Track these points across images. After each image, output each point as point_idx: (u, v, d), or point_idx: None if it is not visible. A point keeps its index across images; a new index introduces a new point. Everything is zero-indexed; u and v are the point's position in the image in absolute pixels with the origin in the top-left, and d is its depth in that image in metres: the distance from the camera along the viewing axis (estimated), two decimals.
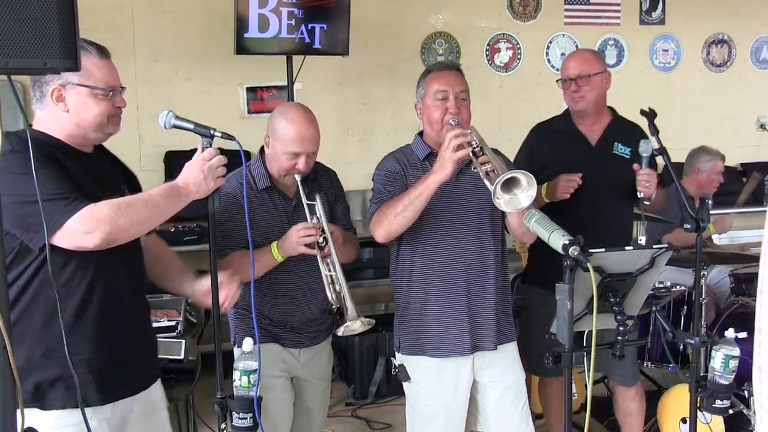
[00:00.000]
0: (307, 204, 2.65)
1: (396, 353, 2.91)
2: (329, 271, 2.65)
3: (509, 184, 2.42)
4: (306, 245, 2.61)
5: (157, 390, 2.38)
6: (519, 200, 2.43)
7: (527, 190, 2.41)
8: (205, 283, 2.36)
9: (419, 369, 2.83)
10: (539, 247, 3.24)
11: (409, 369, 2.84)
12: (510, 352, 2.88)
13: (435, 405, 2.81)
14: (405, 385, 2.88)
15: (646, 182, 3.07)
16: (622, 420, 3.59)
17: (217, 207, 2.29)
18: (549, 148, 3.28)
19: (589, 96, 3.27)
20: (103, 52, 2.18)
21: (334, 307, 2.71)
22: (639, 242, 3.14)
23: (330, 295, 2.65)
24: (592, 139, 3.35)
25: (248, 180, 2.68)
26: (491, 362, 2.84)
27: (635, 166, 3.12)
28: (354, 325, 2.60)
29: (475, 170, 2.56)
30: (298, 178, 2.66)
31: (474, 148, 2.57)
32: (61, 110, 2.10)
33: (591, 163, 3.17)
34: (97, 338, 2.14)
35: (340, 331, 2.61)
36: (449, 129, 2.68)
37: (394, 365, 2.91)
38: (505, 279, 2.88)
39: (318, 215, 2.66)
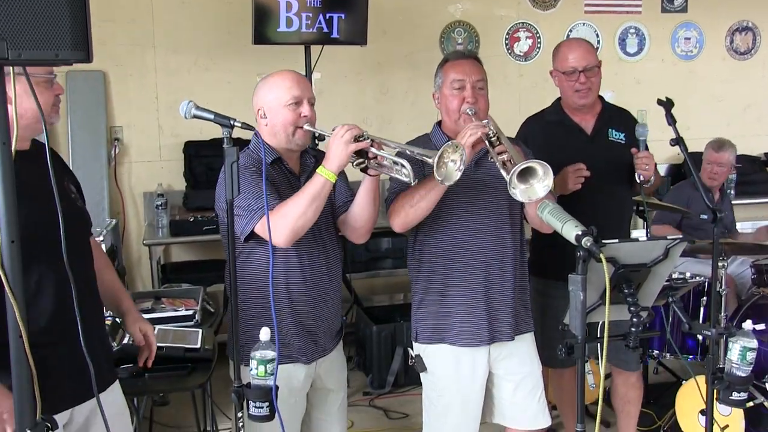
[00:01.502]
0: None
1: (413, 343, 2.91)
2: (380, 165, 2.45)
3: (525, 174, 2.42)
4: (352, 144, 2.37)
5: (117, 390, 2.37)
6: (535, 190, 2.43)
7: (543, 180, 2.41)
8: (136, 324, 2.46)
9: (436, 359, 2.83)
10: (538, 238, 3.28)
11: (426, 359, 2.85)
12: (527, 342, 2.89)
13: (451, 395, 2.82)
14: (422, 375, 2.89)
15: (645, 165, 3.09)
16: (621, 407, 3.57)
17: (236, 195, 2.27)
18: (543, 140, 3.23)
19: (595, 88, 3.27)
20: None
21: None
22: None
23: (403, 174, 2.41)
24: (587, 128, 3.34)
25: (255, 157, 2.56)
26: (509, 353, 2.84)
27: (633, 150, 3.14)
28: (452, 155, 2.36)
29: (492, 160, 2.55)
30: (309, 127, 2.54)
31: (491, 137, 2.57)
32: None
33: (590, 153, 3.15)
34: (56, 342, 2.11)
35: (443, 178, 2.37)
36: (466, 119, 2.69)
37: (411, 355, 2.91)
38: (523, 269, 2.88)
39: None
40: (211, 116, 2.24)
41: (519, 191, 2.43)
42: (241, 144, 2.29)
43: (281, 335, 2.52)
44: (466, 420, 2.83)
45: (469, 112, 2.71)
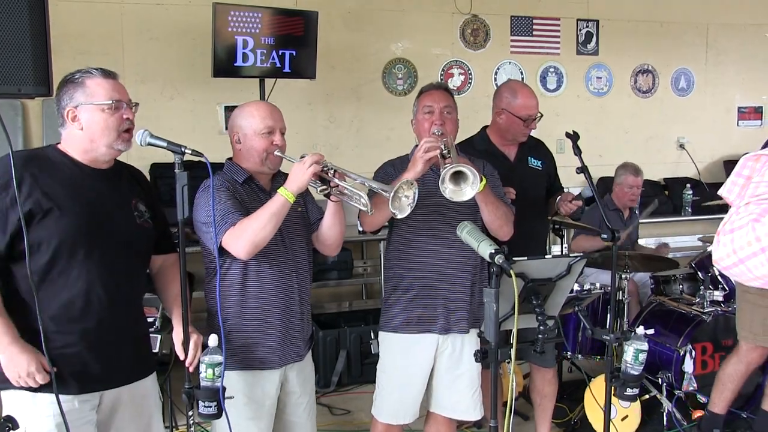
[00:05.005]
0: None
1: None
2: (342, 193, 2.47)
3: (458, 179, 2.51)
4: (313, 174, 2.38)
5: (147, 383, 2.39)
6: (464, 193, 2.52)
7: (473, 185, 2.50)
8: (177, 334, 2.42)
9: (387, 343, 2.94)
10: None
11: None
12: (472, 339, 2.91)
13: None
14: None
15: (570, 208, 3.33)
16: (538, 401, 3.63)
17: (186, 215, 2.28)
18: None
19: None
20: (106, 73, 2.23)
21: None
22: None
23: (361, 204, 2.45)
24: (510, 156, 3.43)
25: (228, 178, 2.57)
26: (455, 347, 2.91)
27: (566, 193, 3.37)
28: (405, 192, 2.42)
29: (443, 169, 2.56)
30: (280, 153, 2.54)
31: (443, 151, 2.63)
32: (77, 129, 2.16)
33: (514, 178, 3.22)
34: (85, 332, 2.17)
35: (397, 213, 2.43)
36: (428, 136, 2.77)
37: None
38: (483, 269, 2.91)
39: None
40: (164, 144, 2.24)
41: (449, 190, 2.51)
42: (215, 165, 2.28)
43: (254, 342, 2.54)
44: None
45: (437, 132, 2.79)
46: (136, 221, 2.32)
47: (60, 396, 2.07)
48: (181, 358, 2.37)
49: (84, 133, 2.16)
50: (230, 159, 2.65)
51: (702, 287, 4.22)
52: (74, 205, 2.13)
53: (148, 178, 5.25)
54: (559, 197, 3.35)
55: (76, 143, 2.19)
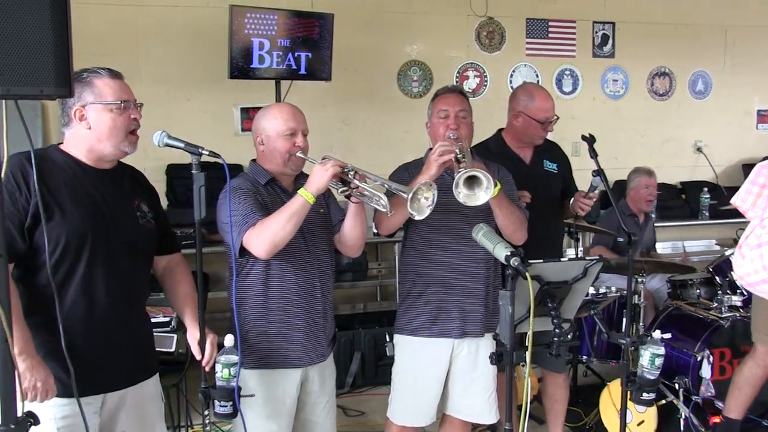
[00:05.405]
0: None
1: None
2: (362, 194, 2.47)
3: (472, 183, 2.50)
4: (333, 176, 2.39)
5: (150, 384, 2.37)
6: (477, 197, 2.51)
7: (487, 189, 2.49)
8: (191, 334, 2.42)
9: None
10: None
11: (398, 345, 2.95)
12: (488, 342, 2.92)
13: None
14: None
15: (586, 205, 3.23)
16: (549, 405, 3.62)
17: (203, 216, 2.29)
18: None
19: None
20: (113, 73, 2.22)
21: None
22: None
23: (381, 205, 2.44)
24: (526, 159, 3.41)
25: (251, 179, 2.60)
26: (470, 350, 2.90)
27: (580, 191, 3.27)
28: (425, 193, 2.42)
29: (457, 174, 2.55)
30: (302, 155, 2.55)
31: (458, 156, 2.63)
32: (84, 128, 2.16)
33: (529, 181, 3.20)
34: (90, 333, 2.16)
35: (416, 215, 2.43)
36: (443, 140, 2.76)
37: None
38: (497, 273, 2.91)
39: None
40: (182, 145, 2.25)
41: (463, 195, 2.50)
42: (231, 167, 2.28)
43: (277, 342, 2.56)
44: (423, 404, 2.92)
45: (452, 136, 2.78)
46: (140, 221, 2.31)
47: (62, 399, 2.06)
48: (198, 358, 2.37)
49: (91, 132, 2.16)
50: (254, 160, 2.67)
51: (720, 292, 4.18)
52: (78, 205, 2.12)
53: (165, 179, 5.35)
54: (572, 199, 3.33)
55: (81, 142, 2.18)
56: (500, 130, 3.50)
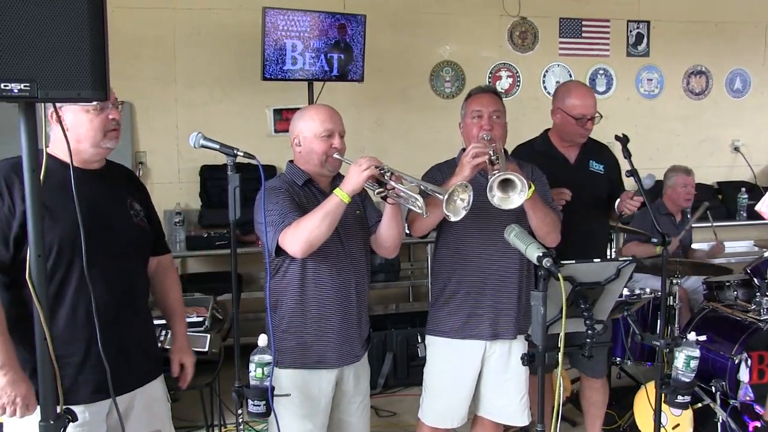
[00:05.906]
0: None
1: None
2: (398, 196, 2.48)
3: (506, 186, 2.48)
4: (370, 176, 2.39)
5: (157, 384, 2.36)
6: (512, 200, 2.50)
7: (521, 192, 2.47)
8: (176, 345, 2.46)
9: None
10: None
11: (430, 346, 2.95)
12: (520, 344, 2.90)
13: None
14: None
15: (632, 206, 3.16)
16: (587, 409, 3.59)
17: (238, 216, 2.31)
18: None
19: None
20: None
21: None
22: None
23: (417, 206, 2.44)
24: (571, 158, 3.37)
25: (288, 180, 2.61)
26: (503, 352, 2.89)
27: (627, 191, 3.21)
28: (461, 195, 2.42)
29: (491, 176, 2.55)
30: (339, 156, 2.56)
31: (491, 157, 2.61)
32: (62, 130, 2.02)
33: (573, 181, 3.17)
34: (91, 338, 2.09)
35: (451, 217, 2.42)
36: (476, 141, 2.75)
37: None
38: (530, 275, 2.89)
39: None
40: (217, 146, 2.28)
41: (497, 198, 2.49)
42: (266, 168, 2.29)
43: (312, 341, 2.58)
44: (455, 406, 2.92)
45: (485, 137, 2.76)
46: (133, 220, 2.28)
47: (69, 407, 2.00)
48: (175, 374, 2.43)
49: (70, 134, 2.04)
50: (291, 161, 2.69)
51: (758, 294, 4.10)
52: (69, 209, 1.96)
53: (198, 179, 5.42)
54: (618, 200, 3.25)
55: (63, 144, 2.02)
56: (548, 129, 3.48)
